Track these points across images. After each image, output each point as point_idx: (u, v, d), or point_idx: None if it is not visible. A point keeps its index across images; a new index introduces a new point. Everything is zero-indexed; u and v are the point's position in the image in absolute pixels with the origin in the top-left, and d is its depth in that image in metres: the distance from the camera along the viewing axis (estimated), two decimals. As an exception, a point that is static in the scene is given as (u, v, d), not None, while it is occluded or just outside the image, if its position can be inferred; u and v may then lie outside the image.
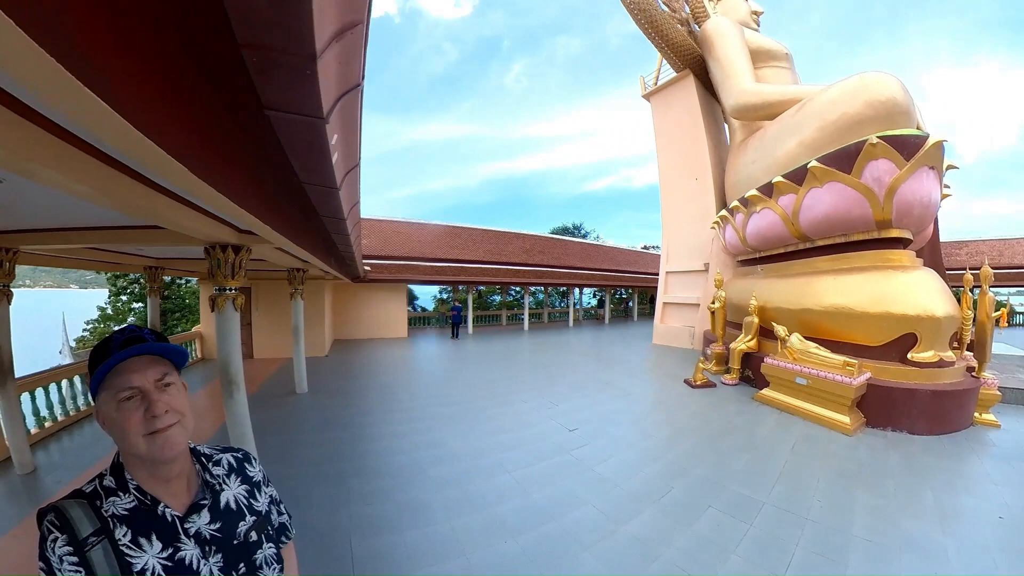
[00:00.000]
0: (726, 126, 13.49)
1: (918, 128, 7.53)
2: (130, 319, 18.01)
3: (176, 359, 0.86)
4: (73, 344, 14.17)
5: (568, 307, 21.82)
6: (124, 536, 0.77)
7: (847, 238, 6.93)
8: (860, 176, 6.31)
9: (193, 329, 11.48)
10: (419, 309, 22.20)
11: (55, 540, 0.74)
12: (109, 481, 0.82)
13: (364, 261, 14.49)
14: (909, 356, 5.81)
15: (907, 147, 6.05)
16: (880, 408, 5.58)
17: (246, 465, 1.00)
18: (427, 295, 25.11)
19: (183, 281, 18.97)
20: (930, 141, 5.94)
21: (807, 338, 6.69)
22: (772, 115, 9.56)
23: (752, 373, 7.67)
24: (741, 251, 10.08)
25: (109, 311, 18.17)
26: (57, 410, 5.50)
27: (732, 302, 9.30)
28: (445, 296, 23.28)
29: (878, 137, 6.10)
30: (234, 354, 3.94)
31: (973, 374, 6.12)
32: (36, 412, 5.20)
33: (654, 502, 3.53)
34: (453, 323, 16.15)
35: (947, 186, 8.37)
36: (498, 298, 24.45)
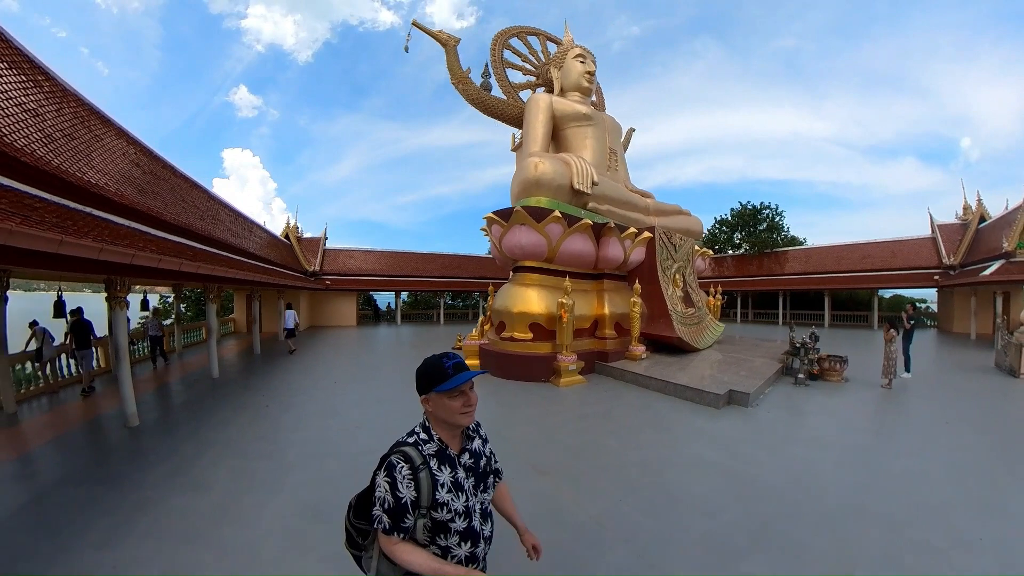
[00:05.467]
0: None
1: (580, 184, 10.72)
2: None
3: (483, 372, 1.48)
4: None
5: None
6: (434, 465, 1.36)
7: (511, 265, 10.71)
8: (491, 233, 10.19)
9: (229, 316, 19.20)
10: (378, 309, 28.97)
11: (402, 467, 1.30)
12: (423, 436, 1.41)
13: (326, 276, 20.83)
14: (501, 334, 9.64)
15: (512, 217, 9.68)
16: (485, 360, 9.60)
17: (479, 428, 1.61)
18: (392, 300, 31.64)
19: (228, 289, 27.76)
20: (515, 211, 9.47)
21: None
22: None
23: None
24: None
25: (158, 307, 25.41)
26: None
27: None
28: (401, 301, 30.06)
29: (495, 213, 9.97)
30: None
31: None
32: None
33: (383, 400, 8.42)
34: (376, 314, 24.72)
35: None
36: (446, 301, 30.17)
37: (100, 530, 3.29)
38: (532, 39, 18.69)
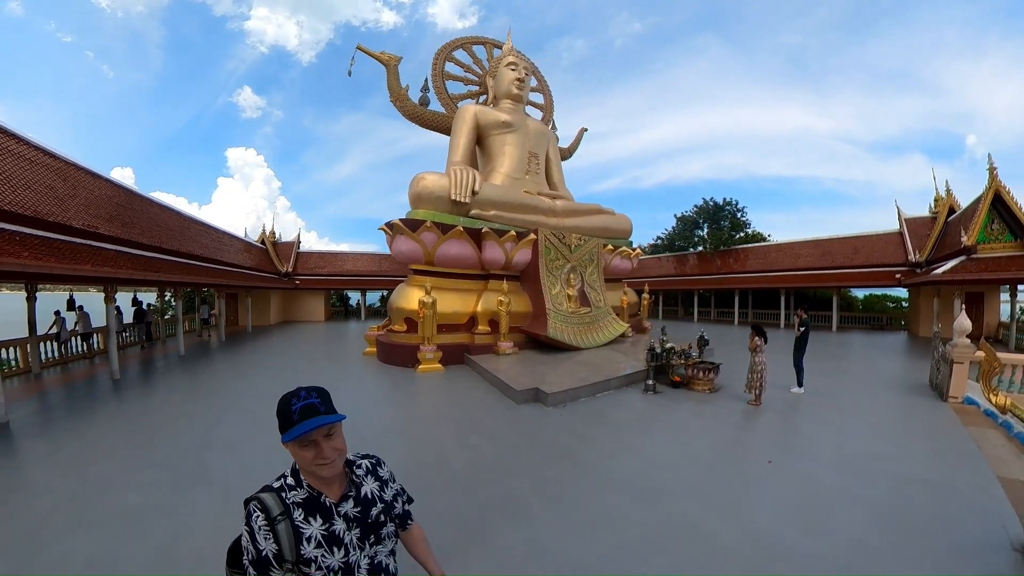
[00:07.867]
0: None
1: (456, 195, 14.26)
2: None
3: (337, 419, 1.33)
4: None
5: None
6: (299, 516, 1.34)
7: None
8: (387, 239, 14.16)
9: (212, 312, 25.05)
10: (348, 306, 33.94)
11: (257, 516, 1.30)
12: (290, 481, 1.40)
13: (297, 277, 26.07)
14: (389, 327, 13.66)
15: (394, 228, 13.59)
16: (378, 349, 13.71)
17: (378, 468, 1.59)
18: (371, 298, 36.27)
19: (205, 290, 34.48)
20: (394, 223, 13.29)
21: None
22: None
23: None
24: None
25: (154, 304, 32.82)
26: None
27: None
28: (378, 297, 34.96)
29: (385, 224, 13.92)
30: None
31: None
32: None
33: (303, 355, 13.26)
34: (346, 310, 30.27)
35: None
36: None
37: (83, 414, 7.82)
38: (478, 48, 22.18)
